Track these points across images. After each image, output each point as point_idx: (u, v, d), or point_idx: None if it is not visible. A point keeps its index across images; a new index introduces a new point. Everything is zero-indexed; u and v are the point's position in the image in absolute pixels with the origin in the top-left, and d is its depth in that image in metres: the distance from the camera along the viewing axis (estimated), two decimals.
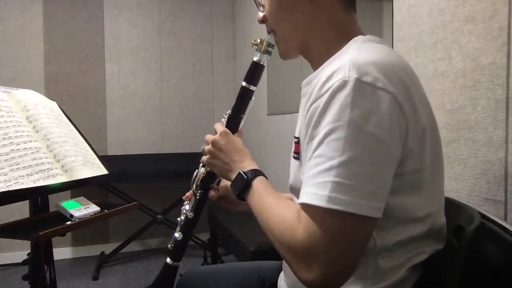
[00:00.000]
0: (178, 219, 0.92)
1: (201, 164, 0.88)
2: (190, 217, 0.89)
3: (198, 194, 0.88)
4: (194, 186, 0.89)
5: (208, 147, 0.82)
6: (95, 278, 2.51)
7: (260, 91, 2.66)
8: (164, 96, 3.20)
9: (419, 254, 0.63)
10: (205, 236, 2.99)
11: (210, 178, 0.88)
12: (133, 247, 3.01)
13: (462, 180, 1.00)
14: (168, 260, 0.91)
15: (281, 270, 0.84)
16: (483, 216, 0.74)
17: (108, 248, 2.95)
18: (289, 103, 2.34)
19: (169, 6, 3.18)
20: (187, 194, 0.92)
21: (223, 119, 0.86)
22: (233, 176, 0.76)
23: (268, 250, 1.57)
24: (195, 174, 0.89)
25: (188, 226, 0.90)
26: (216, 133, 0.82)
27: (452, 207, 0.77)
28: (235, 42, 3.38)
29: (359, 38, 0.68)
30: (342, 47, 0.67)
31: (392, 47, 1.27)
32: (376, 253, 0.61)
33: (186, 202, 0.91)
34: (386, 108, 0.53)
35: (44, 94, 1.60)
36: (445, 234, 0.68)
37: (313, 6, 0.70)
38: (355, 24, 0.72)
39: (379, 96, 0.53)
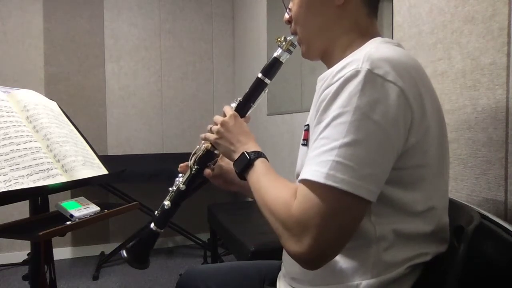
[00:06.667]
0: (170, 188, 0.94)
1: (202, 142, 0.90)
2: (182, 189, 0.91)
3: (194, 169, 0.90)
4: (192, 161, 0.91)
5: (216, 127, 0.84)
6: (95, 278, 2.51)
7: None
8: (164, 96, 3.20)
9: (422, 255, 0.64)
10: (205, 236, 2.99)
11: (209, 157, 0.90)
12: None
13: (462, 180, 1.00)
14: (152, 225, 0.93)
15: (281, 270, 0.84)
16: (483, 216, 0.74)
17: (108, 248, 2.94)
18: (289, 103, 2.34)
19: (169, 6, 3.18)
20: (182, 165, 0.94)
21: (232, 104, 0.89)
22: (236, 156, 0.79)
23: (268, 250, 1.58)
24: (195, 150, 0.91)
25: (178, 198, 0.92)
26: (224, 115, 0.86)
27: (452, 207, 0.77)
28: (235, 42, 3.38)
29: (378, 39, 0.71)
30: (361, 47, 0.69)
31: None
32: (376, 241, 0.62)
33: (180, 174, 0.93)
34: (393, 100, 0.55)
35: (44, 94, 1.60)
36: (448, 236, 0.68)
37: (340, 10, 0.72)
38: (375, 29, 0.75)
39: (388, 88, 0.55)
